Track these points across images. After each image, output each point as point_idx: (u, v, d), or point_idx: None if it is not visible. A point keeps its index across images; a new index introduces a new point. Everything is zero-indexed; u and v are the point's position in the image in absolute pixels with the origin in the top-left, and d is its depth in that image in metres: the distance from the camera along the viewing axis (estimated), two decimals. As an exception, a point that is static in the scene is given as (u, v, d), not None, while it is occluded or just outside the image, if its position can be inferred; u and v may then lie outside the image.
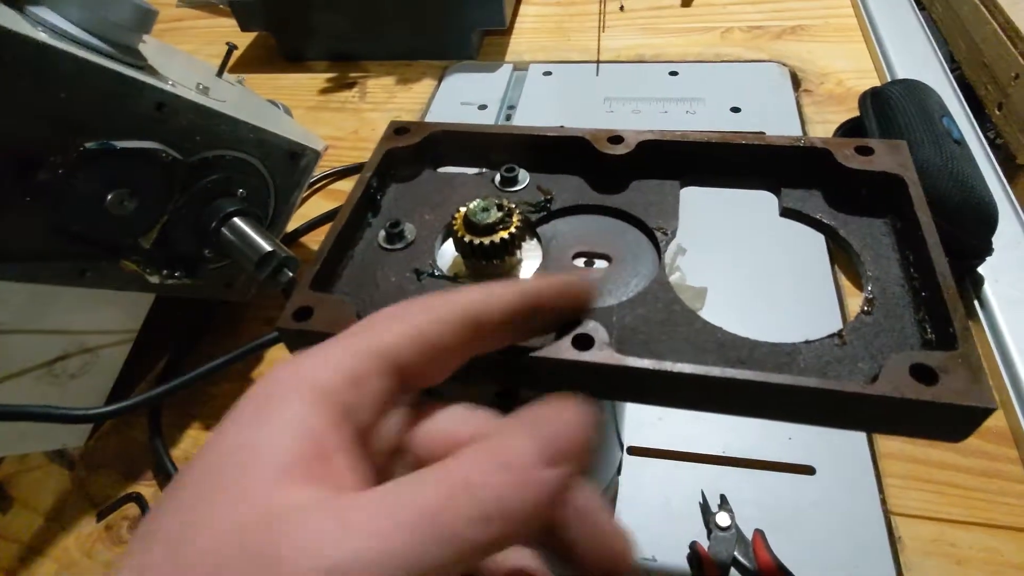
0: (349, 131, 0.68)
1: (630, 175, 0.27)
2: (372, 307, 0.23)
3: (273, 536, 0.12)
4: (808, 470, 0.38)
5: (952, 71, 0.65)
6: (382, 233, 0.26)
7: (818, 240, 0.51)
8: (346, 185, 0.62)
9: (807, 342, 0.21)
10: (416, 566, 0.12)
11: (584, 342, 0.20)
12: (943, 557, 0.34)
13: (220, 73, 0.47)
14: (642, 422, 0.41)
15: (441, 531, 0.12)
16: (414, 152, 0.29)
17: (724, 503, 0.37)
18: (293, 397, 0.14)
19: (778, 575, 0.34)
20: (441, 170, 0.30)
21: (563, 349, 0.20)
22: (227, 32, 0.84)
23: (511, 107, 0.70)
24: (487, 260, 0.24)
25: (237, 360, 0.42)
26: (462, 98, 0.71)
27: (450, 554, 0.12)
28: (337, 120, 0.70)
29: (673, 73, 0.70)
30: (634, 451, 0.40)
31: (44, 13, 0.32)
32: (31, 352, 0.38)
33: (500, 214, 0.24)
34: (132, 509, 0.41)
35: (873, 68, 0.66)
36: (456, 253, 0.26)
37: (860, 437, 0.39)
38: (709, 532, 0.36)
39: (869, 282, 0.23)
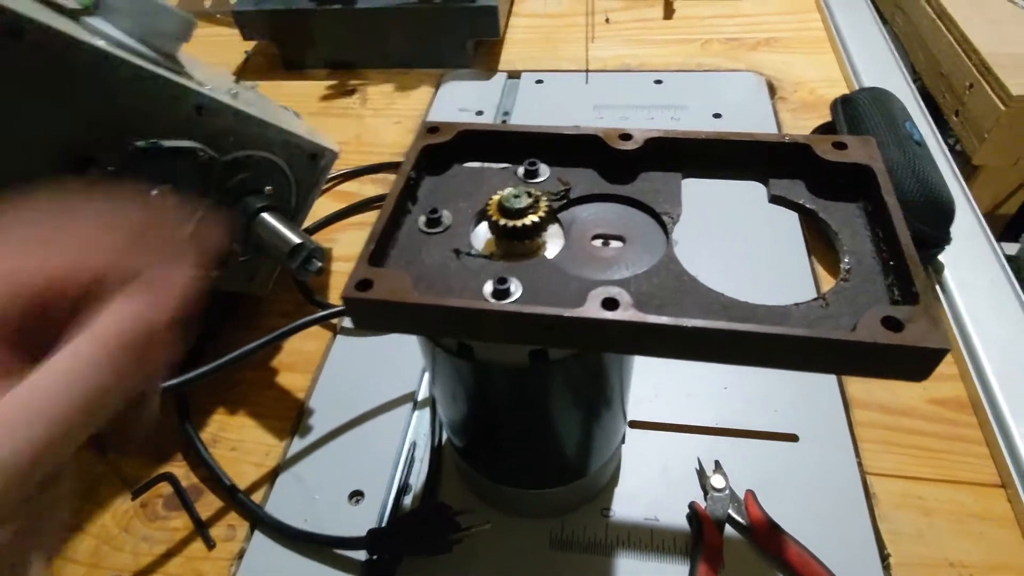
0: (352, 136, 0.71)
1: (638, 167, 0.31)
2: (421, 281, 0.27)
3: None
4: (792, 438, 0.42)
5: (913, 81, 0.70)
6: (422, 219, 0.30)
7: (797, 234, 0.55)
8: (352, 187, 0.65)
9: (797, 305, 0.25)
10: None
11: (611, 304, 0.24)
12: (912, 509, 0.39)
13: (236, 80, 0.50)
14: (640, 398, 0.45)
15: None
16: (446, 148, 0.32)
17: (718, 468, 0.41)
18: None
19: (768, 528, 0.38)
20: (469, 165, 0.33)
21: (593, 310, 0.24)
22: (227, 41, 0.86)
23: (506, 113, 0.74)
24: (518, 240, 0.28)
25: (261, 348, 0.44)
26: (459, 104, 0.75)
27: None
28: (340, 126, 0.73)
29: (658, 82, 0.74)
30: (634, 424, 0.44)
31: (98, 23, 0.35)
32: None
33: (530, 200, 0.28)
34: (166, 488, 0.43)
35: (842, 77, 0.71)
36: (489, 235, 0.29)
37: (839, 408, 0.44)
38: (705, 494, 0.40)
39: (846, 255, 0.27)
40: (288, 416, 0.46)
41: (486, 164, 0.33)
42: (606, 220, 0.30)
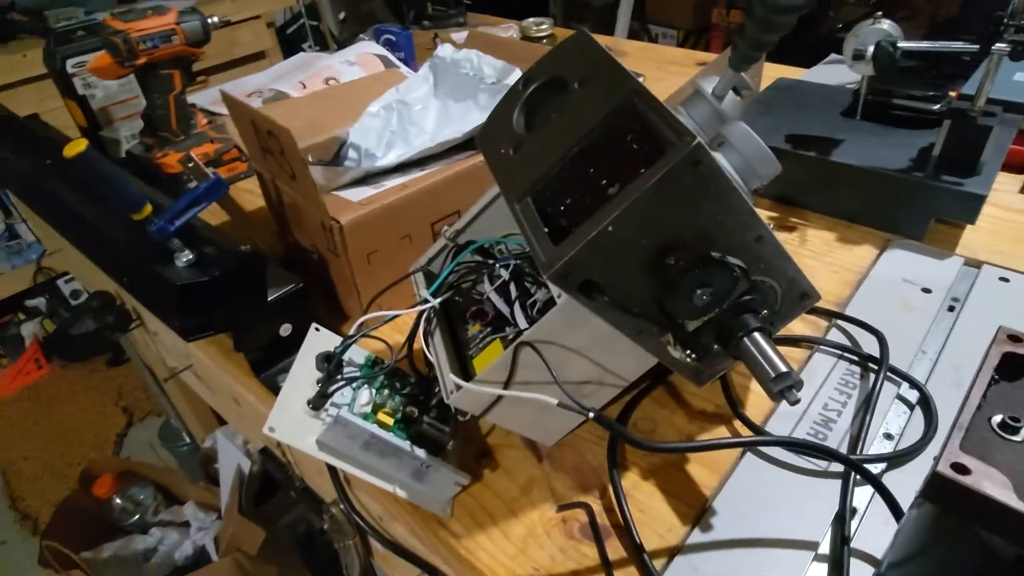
0: (788, 270, 0.75)
1: None
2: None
3: None
4: None
5: None
6: (996, 419, 0.31)
7: None
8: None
9: None
10: None
11: None
12: None
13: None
14: None
15: None
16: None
17: None
18: None
19: None
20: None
21: None
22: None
23: (955, 299, 0.70)
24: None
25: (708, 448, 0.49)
26: (904, 275, 0.74)
27: None
28: (777, 256, 0.78)
29: None
30: None
31: (717, 156, 0.45)
32: (580, 372, 0.50)
33: None
34: (583, 515, 0.50)
35: None
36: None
37: None
38: None
39: None
40: (693, 504, 0.51)
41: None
42: None
